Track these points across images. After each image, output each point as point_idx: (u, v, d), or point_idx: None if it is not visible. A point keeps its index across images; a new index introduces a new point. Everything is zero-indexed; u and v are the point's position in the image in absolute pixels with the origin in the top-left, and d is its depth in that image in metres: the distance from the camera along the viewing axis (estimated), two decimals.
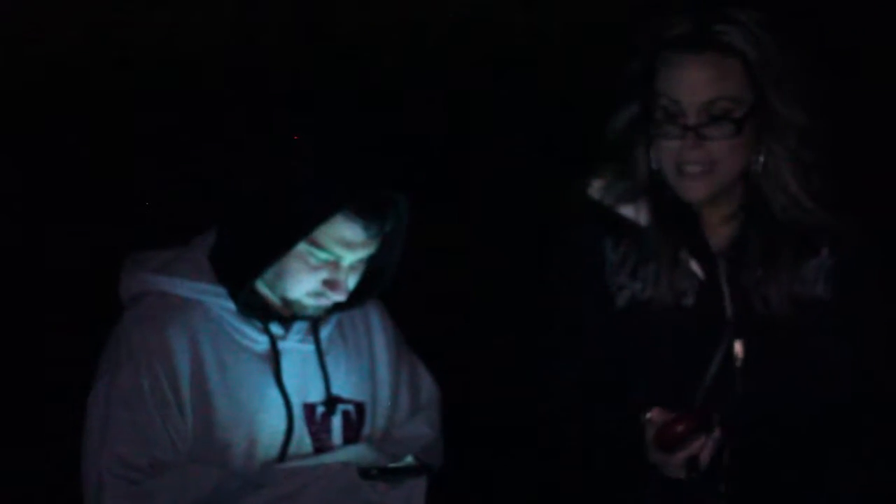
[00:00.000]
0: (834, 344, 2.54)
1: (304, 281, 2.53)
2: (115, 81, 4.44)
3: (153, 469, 2.48)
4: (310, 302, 2.56)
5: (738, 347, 2.54)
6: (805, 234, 2.53)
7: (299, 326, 2.62)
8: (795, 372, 2.52)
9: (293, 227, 2.48)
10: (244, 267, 2.53)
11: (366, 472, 2.51)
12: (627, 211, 2.58)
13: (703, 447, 2.45)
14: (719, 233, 2.57)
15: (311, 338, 2.63)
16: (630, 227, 2.59)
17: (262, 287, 2.58)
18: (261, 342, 2.59)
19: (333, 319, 2.67)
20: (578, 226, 2.62)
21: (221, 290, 2.56)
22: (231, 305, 2.56)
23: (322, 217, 2.47)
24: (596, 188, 2.59)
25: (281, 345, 2.60)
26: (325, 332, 2.65)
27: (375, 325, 2.74)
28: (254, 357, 2.58)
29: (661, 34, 2.48)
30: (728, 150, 2.47)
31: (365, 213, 2.49)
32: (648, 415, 2.47)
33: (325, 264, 2.52)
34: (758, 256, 2.53)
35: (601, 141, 2.57)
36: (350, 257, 2.53)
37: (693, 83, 2.45)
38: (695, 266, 2.56)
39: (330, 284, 2.54)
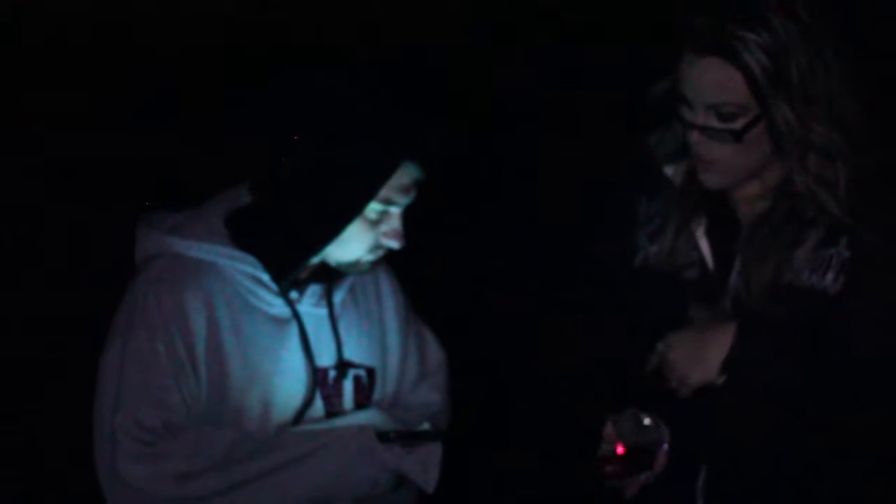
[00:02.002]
0: (832, 337, 2.47)
1: (364, 240, 2.51)
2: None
3: (167, 431, 2.47)
4: (369, 258, 2.55)
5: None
6: (831, 225, 2.47)
7: (313, 290, 2.61)
8: (783, 357, 2.48)
9: (363, 189, 2.45)
10: (305, 243, 2.50)
11: (384, 436, 2.51)
12: (668, 170, 2.58)
13: (630, 484, 2.51)
14: (755, 207, 2.54)
15: (324, 302, 2.62)
16: (667, 187, 2.59)
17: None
18: (275, 305, 2.57)
19: (346, 284, 2.66)
20: (625, 180, 2.64)
21: (236, 252, 2.54)
22: (246, 269, 2.54)
23: (391, 169, 2.45)
24: (652, 142, 2.59)
25: (296, 308, 2.59)
26: (338, 297, 2.65)
27: (385, 291, 2.74)
28: (268, 320, 2.56)
29: (689, 23, 2.42)
30: (732, 153, 2.44)
31: (420, 155, 2.48)
32: (609, 421, 2.50)
33: (381, 216, 2.51)
34: (765, 235, 2.50)
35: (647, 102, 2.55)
36: (404, 202, 2.51)
37: (696, 84, 2.42)
38: (703, 243, 2.55)
39: (389, 235, 2.52)
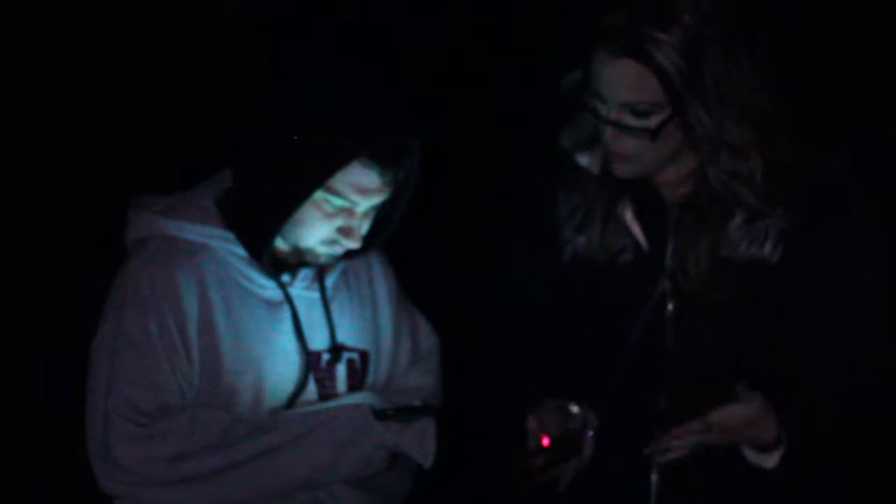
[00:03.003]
0: (776, 307, 2.48)
1: (318, 229, 2.51)
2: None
3: (161, 413, 2.47)
4: (323, 250, 2.54)
5: (670, 304, 2.52)
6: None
7: (305, 273, 2.61)
8: (726, 332, 2.49)
9: (311, 175, 2.44)
10: (264, 221, 2.49)
11: (380, 413, 2.51)
12: (583, 159, 2.56)
13: (561, 471, 2.50)
14: (677, 190, 2.54)
15: (316, 285, 2.62)
16: (585, 177, 2.57)
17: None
18: (268, 287, 2.57)
19: (339, 268, 2.66)
20: (540, 175, 2.62)
21: (228, 234, 2.55)
22: (238, 251, 2.55)
23: (340, 164, 2.43)
24: (564, 134, 2.57)
25: (287, 291, 2.59)
26: (330, 280, 2.65)
27: (378, 275, 2.74)
28: (261, 303, 2.56)
29: (603, 21, 2.40)
30: (646, 148, 2.44)
31: (381, 159, 2.46)
32: (530, 415, 2.49)
33: (340, 211, 2.50)
34: (693, 219, 2.51)
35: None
36: (365, 204, 2.50)
37: (611, 84, 2.40)
38: (634, 225, 2.55)
39: (344, 232, 2.52)
